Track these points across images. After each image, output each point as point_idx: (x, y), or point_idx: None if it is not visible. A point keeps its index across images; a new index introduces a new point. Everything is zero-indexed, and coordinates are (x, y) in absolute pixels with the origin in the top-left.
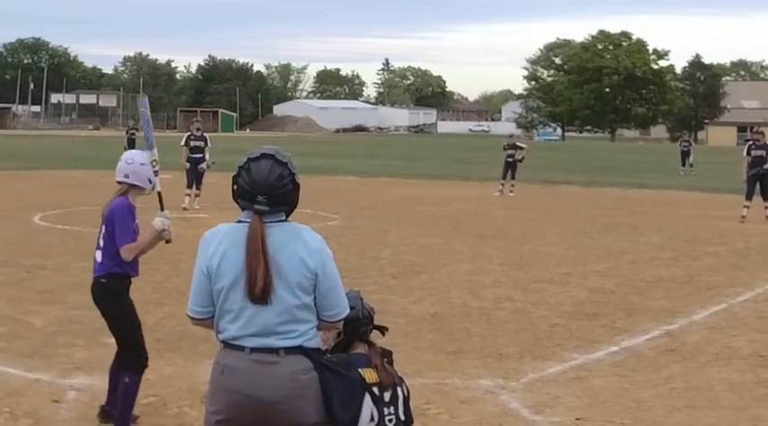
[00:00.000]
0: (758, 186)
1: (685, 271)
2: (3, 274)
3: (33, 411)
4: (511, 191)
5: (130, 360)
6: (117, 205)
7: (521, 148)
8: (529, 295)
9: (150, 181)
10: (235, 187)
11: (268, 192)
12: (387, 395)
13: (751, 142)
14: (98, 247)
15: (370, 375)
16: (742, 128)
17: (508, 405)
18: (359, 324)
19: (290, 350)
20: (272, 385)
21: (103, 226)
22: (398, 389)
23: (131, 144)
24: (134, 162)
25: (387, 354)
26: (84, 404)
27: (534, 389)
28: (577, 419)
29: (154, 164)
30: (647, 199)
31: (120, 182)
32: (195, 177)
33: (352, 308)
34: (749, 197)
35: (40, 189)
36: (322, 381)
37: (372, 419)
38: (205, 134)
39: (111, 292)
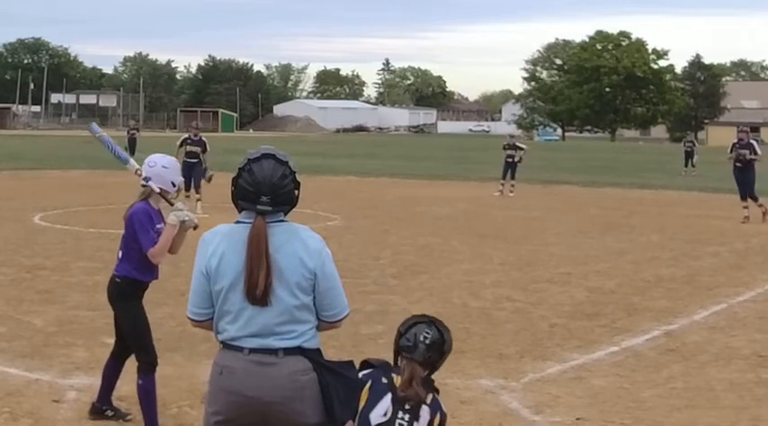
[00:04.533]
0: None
1: (685, 271)
2: (3, 274)
3: (33, 411)
4: (511, 192)
5: (139, 361)
6: (135, 210)
7: (520, 149)
8: (529, 295)
9: (174, 184)
10: (233, 188)
11: (272, 192)
12: (407, 404)
13: (735, 141)
14: (120, 247)
15: (398, 380)
16: None
17: (508, 405)
18: (397, 336)
19: (288, 351)
20: (271, 386)
21: (124, 230)
22: (422, 408)
23: (132, 143)
24: (156, 165)
25: (430, 382)
26: (84, 404)
27: (534, 389)
28: (577, 419)
29: (138, 173)
30: (647, 199)
31: (143, 186)
32: (191, 181)
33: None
34: (743, 197)
35: (40, 189)
36: (321, 382)
37: (386, 414)
38: (203, 138)
39: (123, 293)
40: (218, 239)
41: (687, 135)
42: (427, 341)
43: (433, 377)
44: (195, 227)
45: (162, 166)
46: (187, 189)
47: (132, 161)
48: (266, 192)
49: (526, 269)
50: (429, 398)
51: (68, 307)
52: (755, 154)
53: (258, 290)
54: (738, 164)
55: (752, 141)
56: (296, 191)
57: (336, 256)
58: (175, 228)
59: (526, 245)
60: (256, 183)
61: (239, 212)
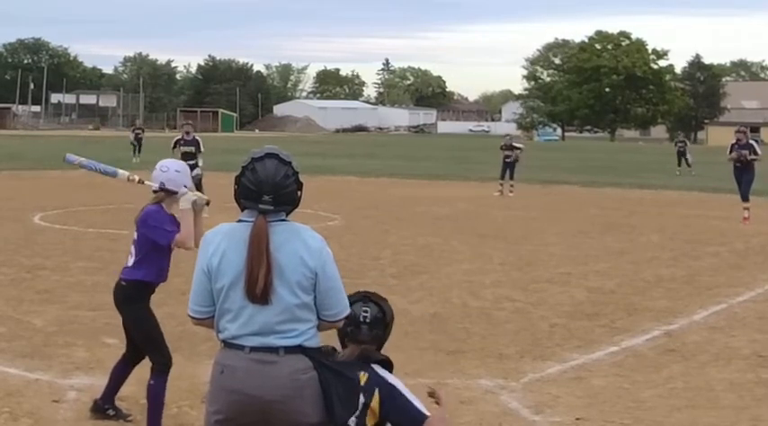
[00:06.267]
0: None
1: (685, 271)
2: (3, 274)
3: (33, 411)
4: (510, 191)
5: (153, 361)
6: (148, 211)
7: (517, 148)
8: (529, 295)
9: (186, 187)
10: (236, 187)
11: (274, 192)
12: None
13: (734, 142)
14: (130, 253)
15: None
16: None
17: (508, 405)
18: (341, 333)
19: (289, 350)
20: (272, 384)
21: (135, 233)
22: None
23: (139, 142)
24: (169, 169)
25: (365, 357)
26: (84, 404)
27: (534, 389)
28: (577, 419)
29: (131, 179)
30: (647, 199)
31: (156, 191)
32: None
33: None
34: (744, 197)
35: (40, 189)
36: (322, 381)
37: None
38: (197, 137)
39: (130, 297)
40: (219, 238)
41: (678, 135)
42: (368, 320)
43: (432, 377)
44: (208, 203)
45: (175, 171)
46: None
47: (120, 171)
48: (268, 191)
49: (526, 269)
50: (365, 379)
51: (68, 307)
52: (756, 154)
53: (258, 289)
54: (738, 165)
55: (751, 141)
56: (298, 192)
57: (336, 256)
58: (191, 212)
59: (526, 245)
60: (259, 182)
61: (241, 210)
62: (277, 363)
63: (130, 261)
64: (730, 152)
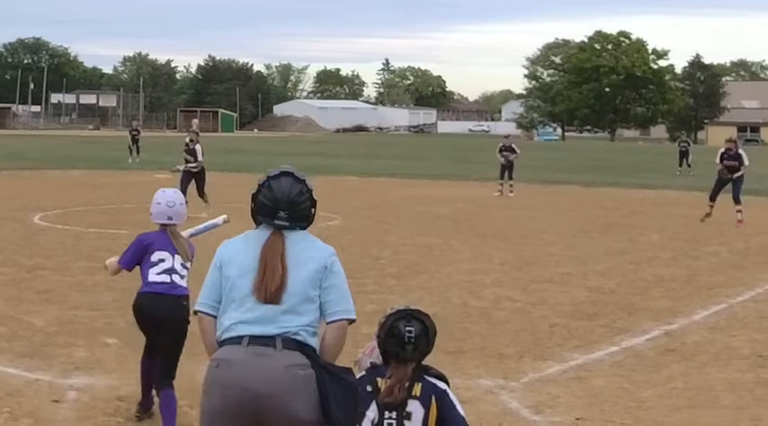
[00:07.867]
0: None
1: (685, 271)
2: (3, 274)
3: (33, 411)
4: (510, 191)
5: (168, 375)
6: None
7: (514, 152)
8: (529, 295)
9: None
10: (253, 204)
11: (289, 208)
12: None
13: (723, 151)
14: (175, 271)
15: (383, 383)
16: (742, 128)
17: (508, 405)
18: (380, 341)
19: (286, 344)
20: (267, 376)
21: (177, 254)
22: (411, 404)
23: (135, 142)
24: (175, 204)
25: (418, 371)
26: (85, 404)
27: (534, 389)
28: (577, 419)
29: (226, 221)
30: (647, 199)
31: (164, 224)
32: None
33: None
34: (713, 198)
35: (40, 189)
36: (319, 381)
37: (373, 422)
38: (196, 147)
39: (186, 315)
40: (235, 240)
41: (681, 135)
42: (413, 339)
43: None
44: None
45: (180, 204)
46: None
47: (219, 220)
48: (284, 208)
49: (526, 269)
50: (418, 389)
51: (68, 307)
52: (743, 165)
53: (270, 291)
54: (727, 171)
55: (740, 151)
56: (312, 209)
57: None
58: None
59: (526, 245)
60: (275, 199)
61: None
62: (274, 357)
63: (182, 281)
64: (720, 161)
